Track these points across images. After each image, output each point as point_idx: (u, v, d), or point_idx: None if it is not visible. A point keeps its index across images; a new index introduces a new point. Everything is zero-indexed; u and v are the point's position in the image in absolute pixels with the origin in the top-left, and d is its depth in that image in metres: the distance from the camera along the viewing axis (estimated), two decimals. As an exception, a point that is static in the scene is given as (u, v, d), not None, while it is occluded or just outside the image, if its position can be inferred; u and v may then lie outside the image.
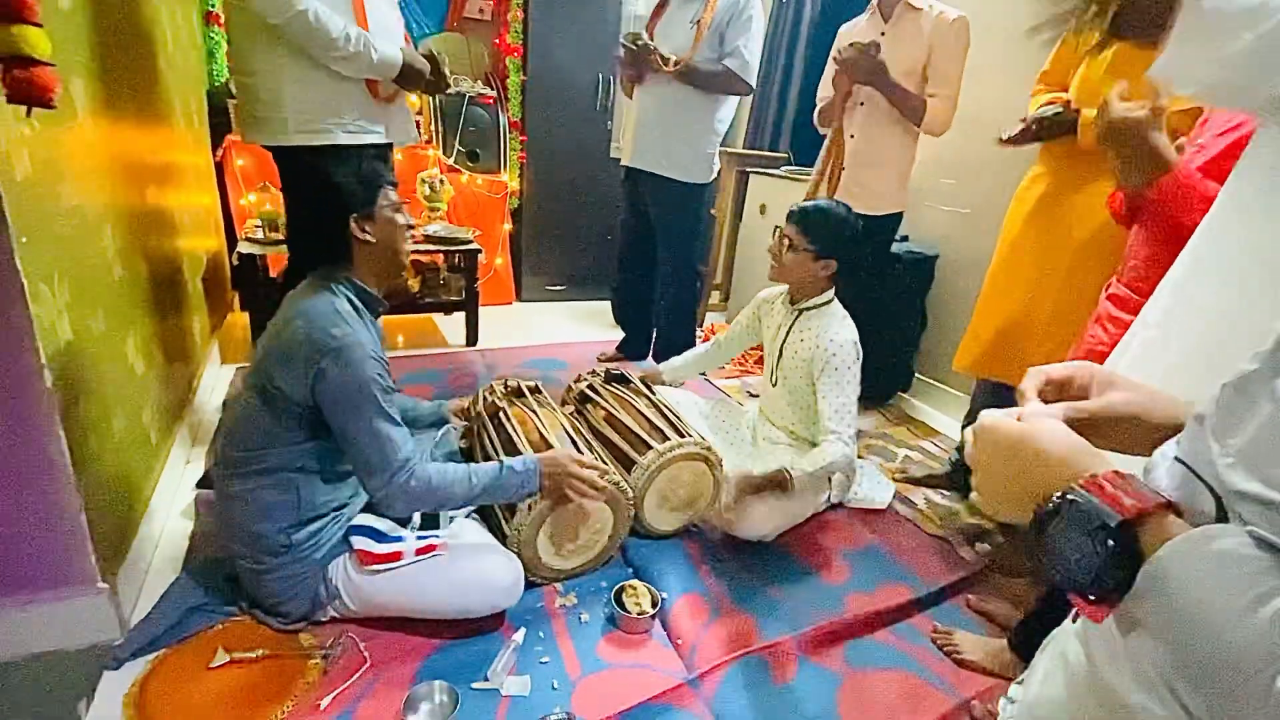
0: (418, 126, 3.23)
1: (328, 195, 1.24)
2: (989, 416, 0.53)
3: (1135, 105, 1.06)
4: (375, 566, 1.27)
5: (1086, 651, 0.54)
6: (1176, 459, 0.48)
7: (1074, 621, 0.60)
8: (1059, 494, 0.45)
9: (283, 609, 1.29)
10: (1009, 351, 1.74)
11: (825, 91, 2.26)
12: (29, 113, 0.94)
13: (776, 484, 1.57)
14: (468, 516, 1.52)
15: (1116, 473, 0.45)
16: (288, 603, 1.28)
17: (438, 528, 1.38)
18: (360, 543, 1.28)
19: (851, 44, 2.03)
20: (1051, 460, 0.48)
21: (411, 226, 1.34)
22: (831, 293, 1.77)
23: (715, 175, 2.59)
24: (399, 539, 1.30)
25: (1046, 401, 0.57)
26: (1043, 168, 1.71)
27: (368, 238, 1.26)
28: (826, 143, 2.25)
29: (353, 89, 1.69)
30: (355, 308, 1.26)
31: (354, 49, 1.58)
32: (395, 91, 1.80)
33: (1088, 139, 1.49)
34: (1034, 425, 0.51)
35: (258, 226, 2.55)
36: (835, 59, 2.12)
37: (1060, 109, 1.56)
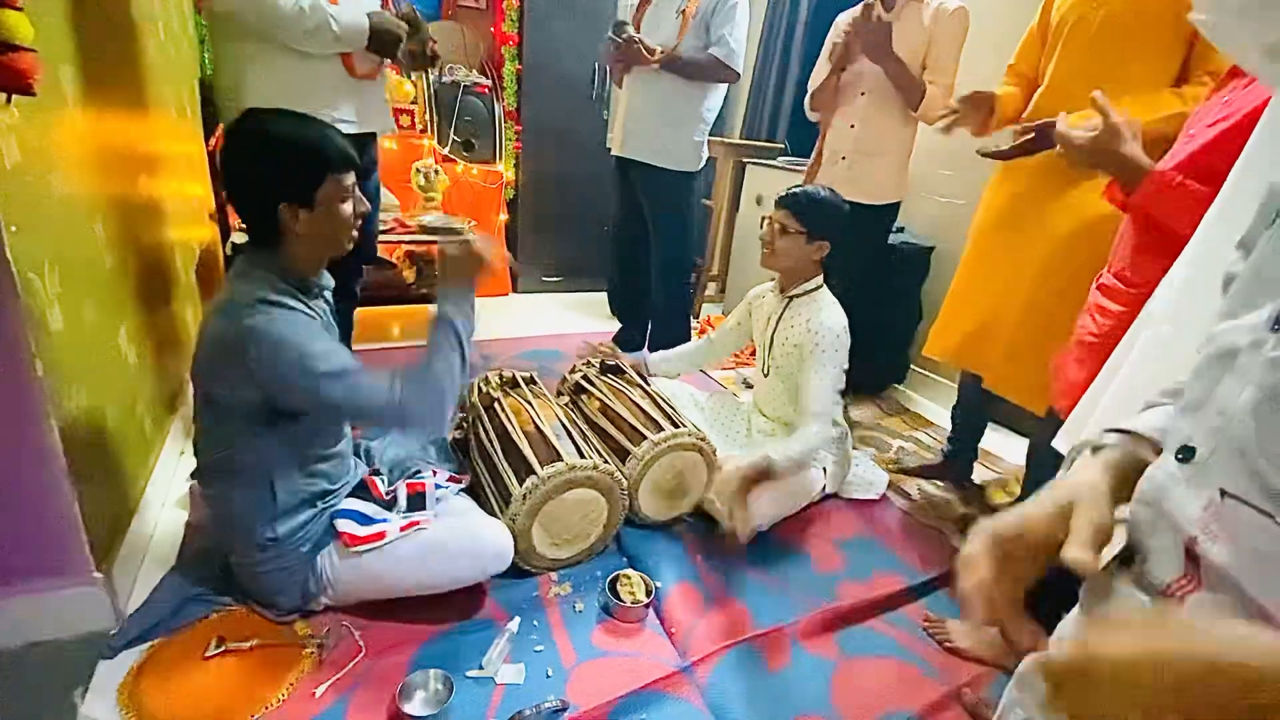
0: (412, 117, 3.22)
1: (261, 174, 1.09)
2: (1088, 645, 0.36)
3: (1089, 125, 1.06)
4: (360, 548, 1.26)
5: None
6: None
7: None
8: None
9: (274, 601, 1.29)
10: (981, 344, 1.76)
11: (819, 79, 2.25)
12: (9, 99, 0.93)
13: (762, 474, 1.55)
14: (457, 494, 1.50)
15: None
16: (278, 595, 1.28)
17: (424, 509, 1.37)
18: (344, 525, 1.27)
19: (863, 9, 1.99)
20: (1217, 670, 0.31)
21: (362, 215, 1.21)
22: (820, 279, 1.78)
23: (704, 164, 2.59)
24: (384, 520, 1.30)
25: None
26: (1013, 163, 1.68)
27: (297, 229, 1.12)
28: (820, 134, 2.25)
29: (323, 70, 1.60)
30: (280, 291, 1.14)
31: (311, 22, 1.48)
32: (375, 66, 1.71)
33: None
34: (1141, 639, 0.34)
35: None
36: (843, 30, 2.09)
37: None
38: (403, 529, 1.29)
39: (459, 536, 1.32)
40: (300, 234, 1.13)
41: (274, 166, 1.09)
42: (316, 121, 1.15)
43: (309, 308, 1.19)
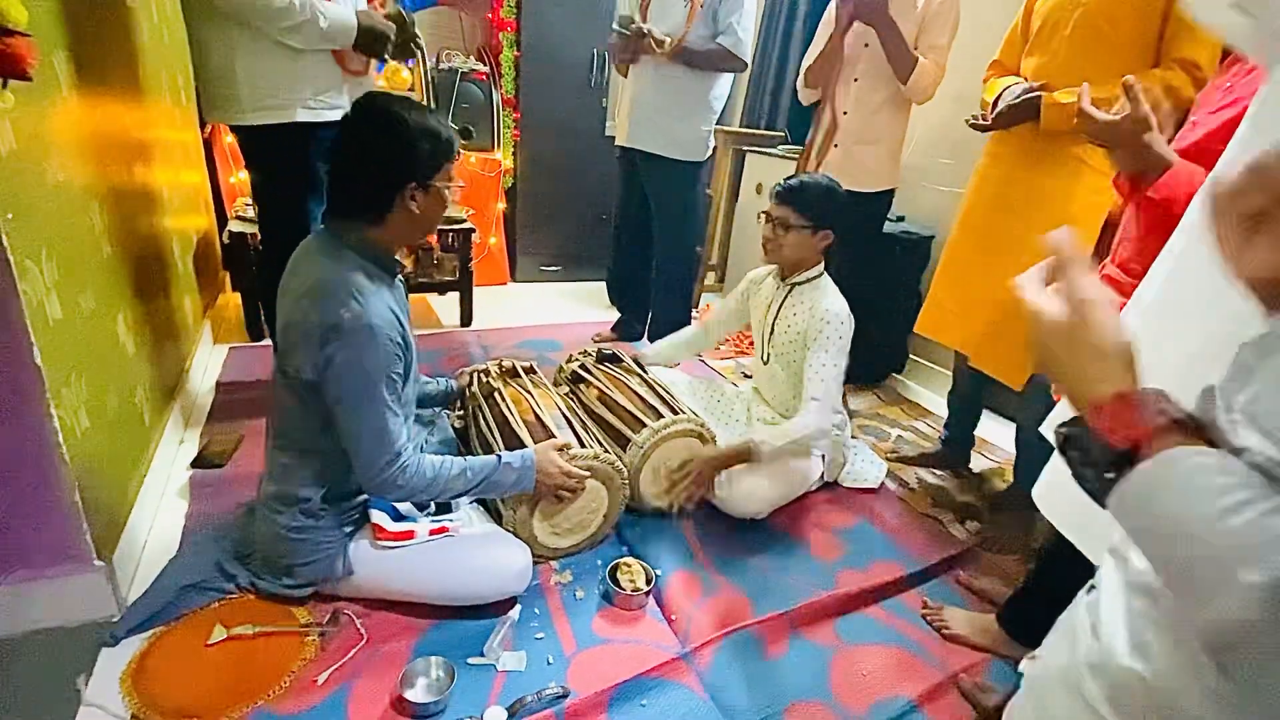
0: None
1: (393, 154, 1.12)
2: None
3: (1111, 102, 1.06)
4: (388, 543, 1.29)
5: (1093, 621, 0.56)
6: None
7: (1088, 593, 0.61)
8: (1064, 425, 0.47)
9: (296, 570, 1.28)
10: (964, 321, 1.86)
11: (814, 53, 2.22)
12: (5, 84, 0.92)
13: (742, 457, 1.57)
14: (470, 504, 1.52)
15: (1121, 396, 0.45)
16: (302, 566, 1.27)
17: (450, 512, 1.40)
18: (377, 517, 1.30)
19: None
20: (1092, 362, 0.47)
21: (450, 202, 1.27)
22: (821, 266, 1.78)
23: (710, 153, 2.58)
24: (413, 519, 1.33)
25: None
26: (1000, 147, 1.77)
27: (413, 208, 1.16)
28: (815, 116, 2.24)
29: (315, 62, 1.60)
30: (370, 274, 1.17)
31: (300, 17, 1.48)
32: (366, 63, 1.72)
33: (1049, 120, 1.56)
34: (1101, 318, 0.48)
35: (248, 205, 2.52)
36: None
37: (1027, 91, 1.59)
38: (432, 532, 1.32)
39: (484, 556, 1.34)
40: (413, 214, 1.17)
41: (406, 147, 1.12)
42: (433, 111, 1.19)
43: (392, 294, 1.22)
